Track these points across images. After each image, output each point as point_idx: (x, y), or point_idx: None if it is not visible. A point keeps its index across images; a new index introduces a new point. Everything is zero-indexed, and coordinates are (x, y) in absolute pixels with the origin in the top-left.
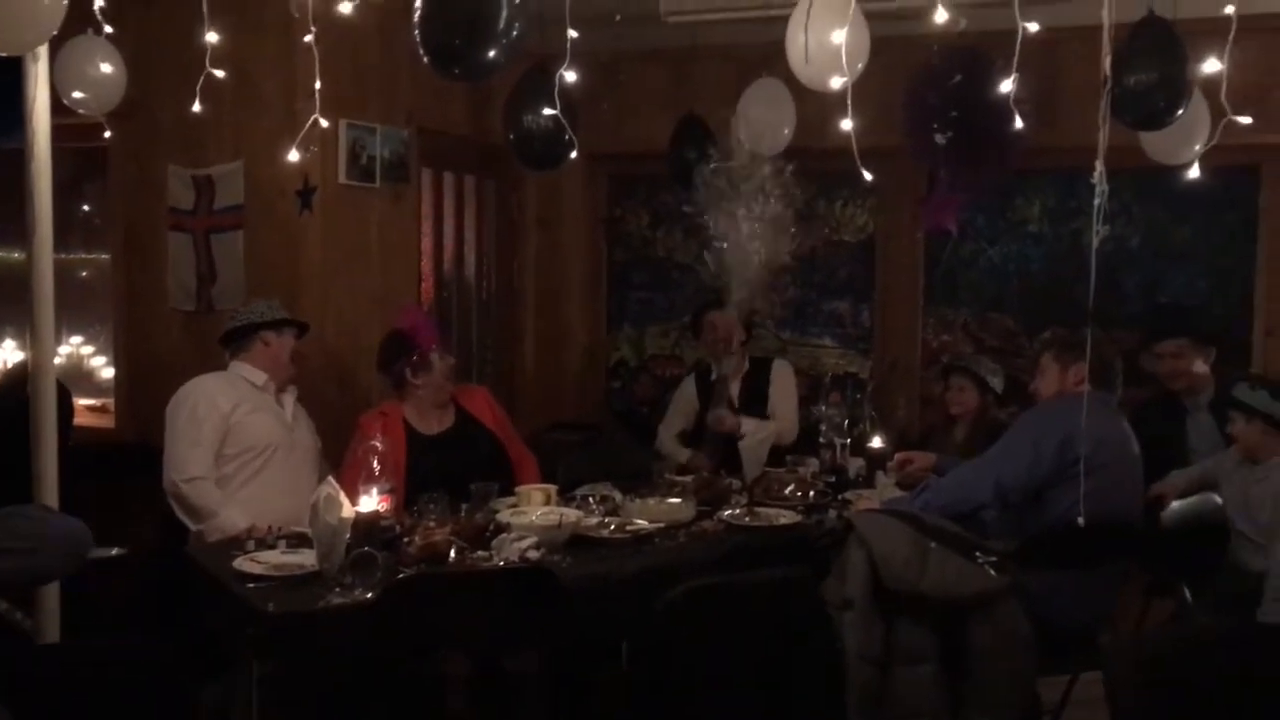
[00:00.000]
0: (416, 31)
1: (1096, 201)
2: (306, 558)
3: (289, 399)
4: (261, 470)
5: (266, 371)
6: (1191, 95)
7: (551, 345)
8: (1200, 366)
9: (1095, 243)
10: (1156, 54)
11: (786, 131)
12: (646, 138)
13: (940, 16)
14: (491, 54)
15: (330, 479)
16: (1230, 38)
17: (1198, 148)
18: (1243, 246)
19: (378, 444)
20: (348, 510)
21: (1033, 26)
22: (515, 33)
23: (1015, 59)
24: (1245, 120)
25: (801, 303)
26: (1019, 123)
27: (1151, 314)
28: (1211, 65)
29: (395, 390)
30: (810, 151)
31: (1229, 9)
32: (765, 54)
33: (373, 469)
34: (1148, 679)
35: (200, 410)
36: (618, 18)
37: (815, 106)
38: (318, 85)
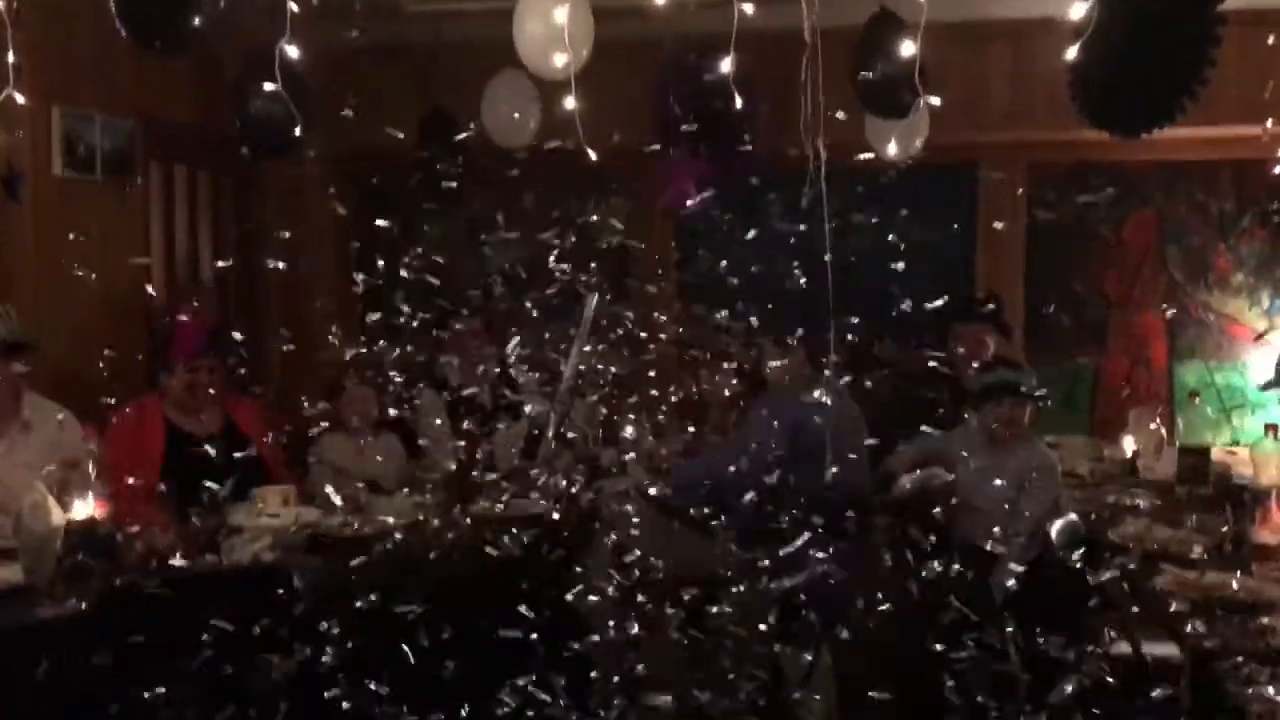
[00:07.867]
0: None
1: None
2: (12, 571)
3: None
4: None
5: None
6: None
7: (296, 356)
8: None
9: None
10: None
11: (532, 125)
12: (390, 137)
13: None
14: (193, 24)
15: (38, 484)
16: (920, 27)
17: (918, 143)
18: (965, 241)
19: (94, 448)
20: (58, 517)
21: (748, 8)
22: (221, 5)
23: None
24: (935, 101)
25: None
26: (739, 103)
27: (962, 303)
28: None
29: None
30: (560, 153)
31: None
32: (509, 46)
33: (87, 473)
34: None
35: None
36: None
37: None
38: (11, 58)
